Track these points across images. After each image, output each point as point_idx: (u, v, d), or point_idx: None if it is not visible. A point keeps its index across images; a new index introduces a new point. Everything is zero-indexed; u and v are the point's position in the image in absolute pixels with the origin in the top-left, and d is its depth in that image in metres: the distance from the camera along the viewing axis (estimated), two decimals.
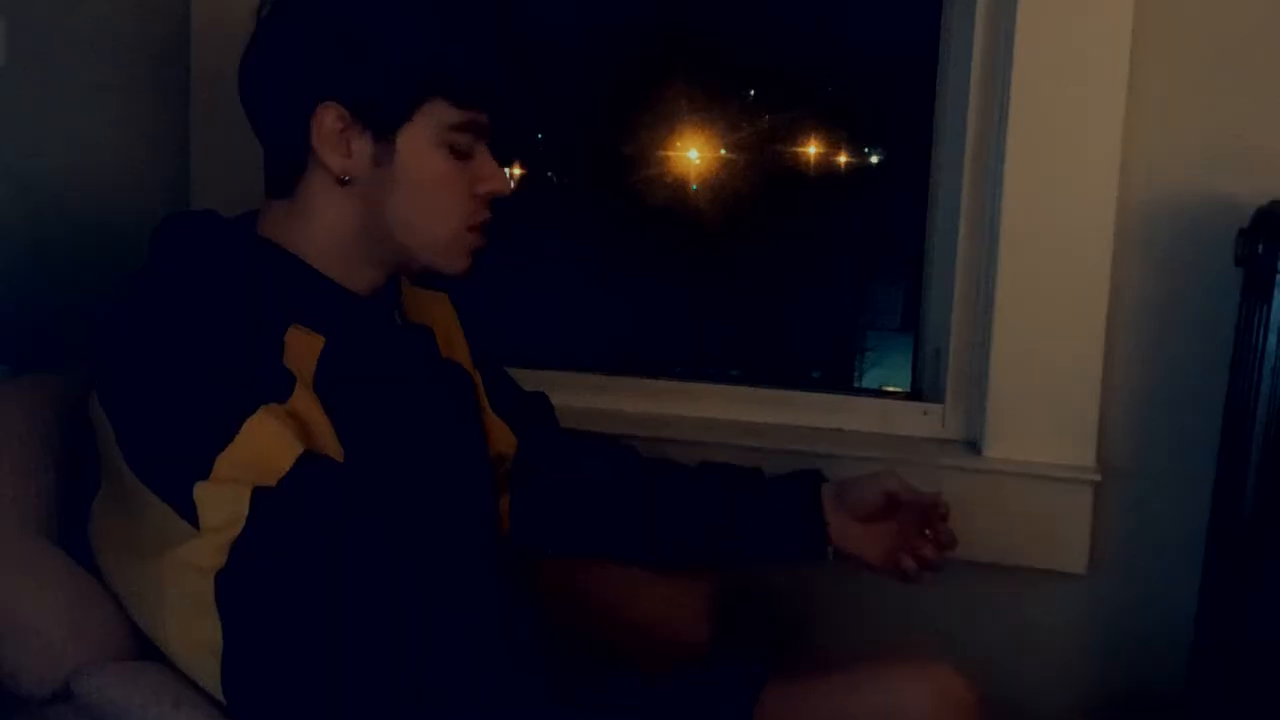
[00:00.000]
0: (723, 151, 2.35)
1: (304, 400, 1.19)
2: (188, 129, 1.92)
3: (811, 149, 2.35)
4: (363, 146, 1.26)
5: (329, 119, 1.24)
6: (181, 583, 1.12)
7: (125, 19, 1.85)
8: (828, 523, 1.51)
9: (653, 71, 2.40)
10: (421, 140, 1.27)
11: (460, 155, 1.29)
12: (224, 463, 1.10)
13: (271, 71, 1.29)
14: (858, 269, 2.63)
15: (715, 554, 1.56)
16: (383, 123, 1.25)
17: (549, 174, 2.62)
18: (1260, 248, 1.55)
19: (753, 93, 2.41)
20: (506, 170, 2.51)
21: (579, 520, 1.56)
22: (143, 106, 1.91)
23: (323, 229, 1.29)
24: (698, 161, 2.35)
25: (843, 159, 2.37)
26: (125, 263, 1.27)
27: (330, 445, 1.19)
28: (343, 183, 1.27)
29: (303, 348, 1.23)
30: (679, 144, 2.34)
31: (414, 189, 1.28)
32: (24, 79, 1.65)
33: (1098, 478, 1.80)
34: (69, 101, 1.76)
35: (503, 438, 1.55)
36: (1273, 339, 1.52)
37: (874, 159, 2.41)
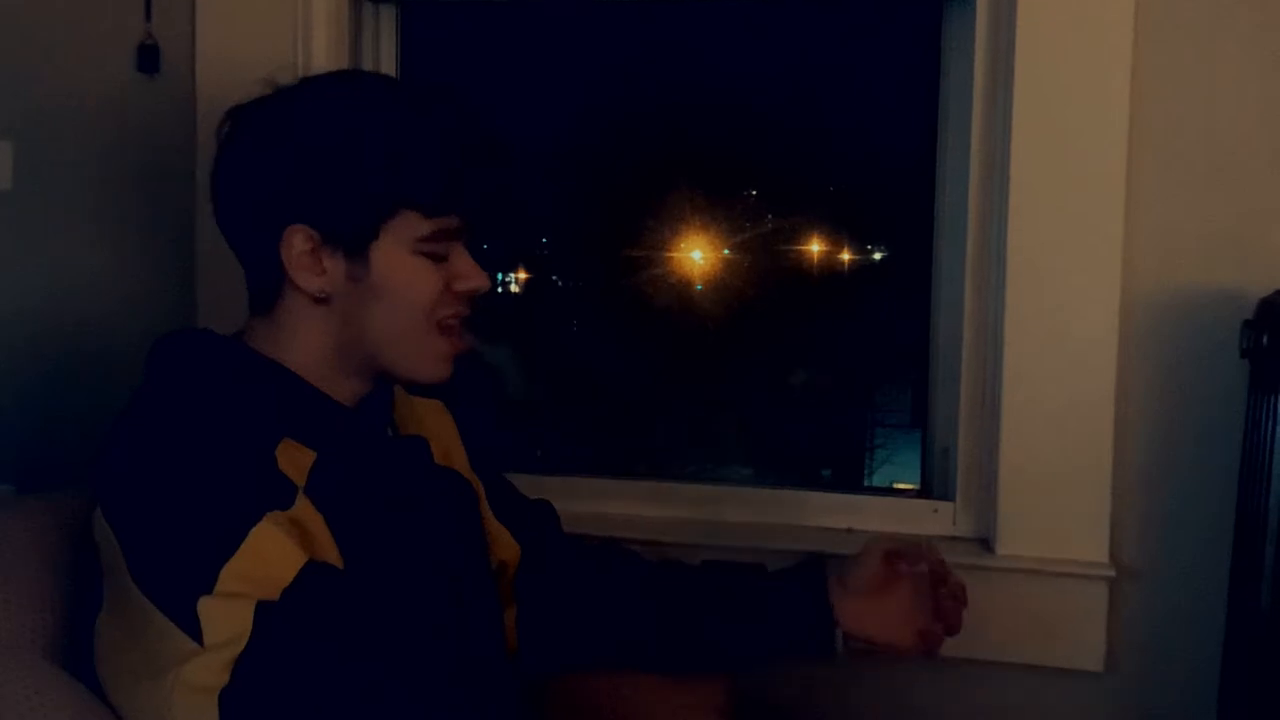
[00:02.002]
0: (726, 252, 2.36)
1: (304, 508, 1.19)
2: (194, 250, 1.93)
3: (814, 247, 2.36)
4: (336, 264, 1.26)
5: (298, 241, 1.25)
6: (186, 703, 1.11)
7: (131, 141, 1.87)
8: (834, 606, 1.48)
9: (655, 174, 2.41)
10: (395, 253, 1.26)
11: (436, 259, 1.29)
12: (228, 575, 1.10)
13: (239, 196, 1.30)
14: (865, 366, 2.63)
15: (725, 653, 1.54)
16: (352, 241, 1.25)
17: (553, 277, 2.64)
18: (1265, 339, 1.55)
19: (754, 193, 2.43)
20: (511, 274, 2.55)
21: (587, 631, 1.54)
22: (149, 227, 1.93)
23: (303, 345, 1.29)
24: (702, 262, 2.36)
25: (846, 256, 2.38)
26: (131, 384, 1.28)
27: (330, 553, 1.19)
28: (320, 301, 1.27)
29: (294, 462, 1.22)
30: (682, 245, 2.35)
31: (393, 300, 1.27)
32: (31, 201, 1.67)
33: (1112, 573, 1.79)
34: (75, 223, 1.78)
35: (505, 544, 1.53)
36: None
37: (877, 256, 2.42)
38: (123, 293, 1.87)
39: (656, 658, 1.54)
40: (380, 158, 1.25)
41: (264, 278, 1.29)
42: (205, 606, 1.09)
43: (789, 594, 1.51)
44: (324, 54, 1.96)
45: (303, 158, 1.26)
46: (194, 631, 1.09)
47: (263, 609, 1.10)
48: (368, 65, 2.09)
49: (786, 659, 1.56)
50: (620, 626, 1.54)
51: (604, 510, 2.00)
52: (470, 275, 1.31)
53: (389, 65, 2.12)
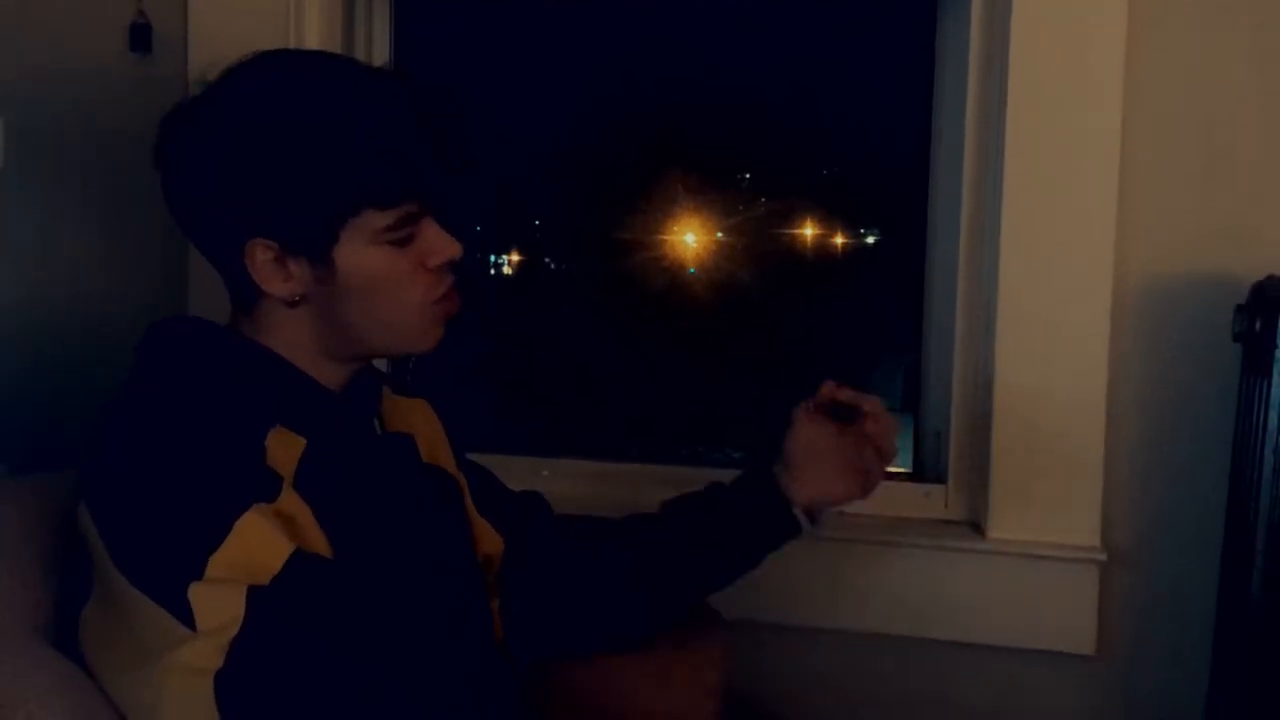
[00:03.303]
0: (719, 235, 2.35)
1: (290, 500, 1.18)
2: None
3: (808, 231, 2.36)
4: (301, 269, 1.24)
5: (259, 252, 1.23)
6: (181, 686, 1.11)
7: (124, 120, 1.86)
8: (787, 493, 1.49)
9: (649, 158, 2.41)
10: (358, 250, 1.24)
11: (402, 244, 1.26)
12: (217, 563, 1.10)
13: (195, 210, 1.27)
14: (857, 349, 2.63)
15: (709, 588, 1.56)
16: (313, 248, 1.24)
17: (546, 260, 2.63)
18: (1257, 324, 1.55)
19: (748, 176, 2.42)
20: (505, 256, 2.54)
21: (572, 621, 1.54)
22: (141, 207, 1.91)
23: (286, 341, 1.28)
24: (695, 245, 2.35)
25: (839, 240, 2.38)
26: (125, 364, 1.28)
27: (319, 543, 1.19)
28: (293, 304, 1.26)
29: (284, 449, 1.22)
30: (676, 228, 2.34)
31: (366, 294, 1.26)
32: (23, 180, 1.66)
33: (1103, 557, 1.79)
34: (67, 202, 1.77)
35: (489, 539, 1.52)
36: (1273, 415, 1.52)
37: (870, 240, 2.42)
38: (116, 271, 1.87)
39: (646, 631, 1.55)
40: (328, 164, 1.21)
41: (238, 283, 1.28)
42: (196, 593, 1.09)
43: (751, 511, 1.52)
44: (316, 32, 1.96)
45: (254, 170, 1.22)
46: (186, 617, 1.09)
47: (255, 594, 1.10)
48: (360, 39, 2.08)
49: (758, 549, 1.54)
50: (606, 617, 1.54)
51: (594, 493, 1.99)
52: (442, 248, 1.29)
53: (382, 39, 2.12)
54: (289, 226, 1.23)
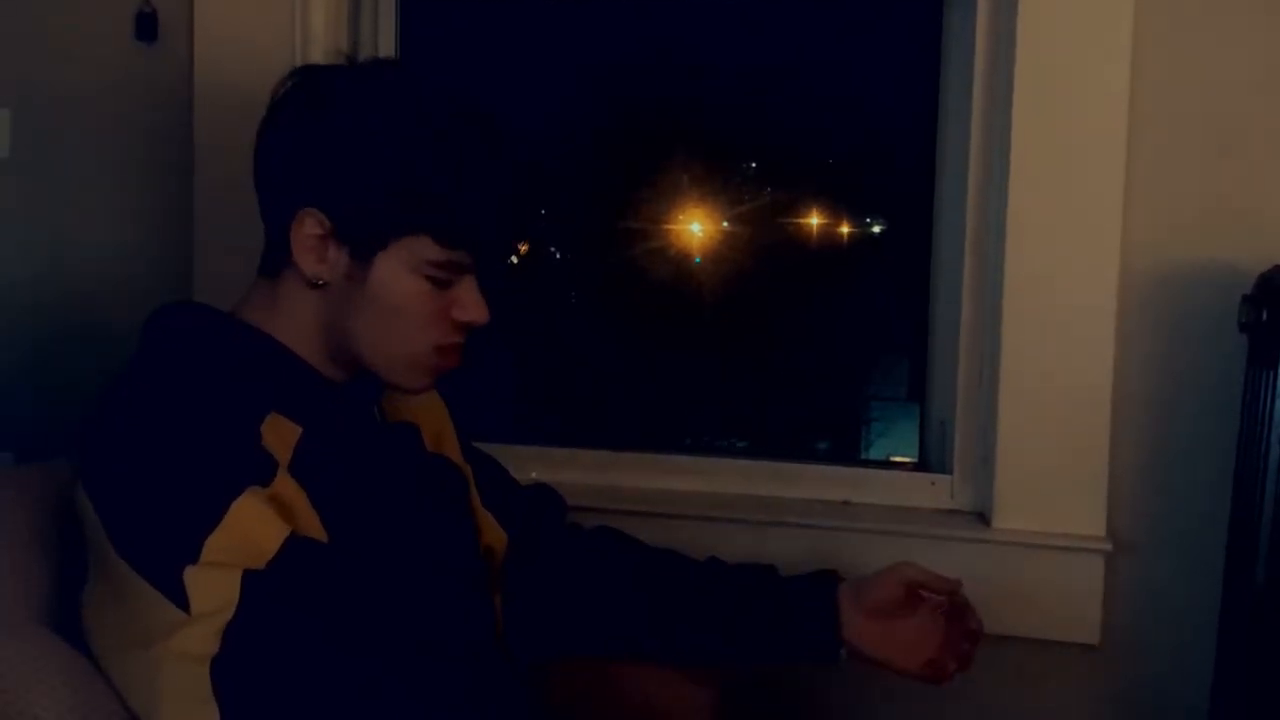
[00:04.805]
0: (725, 224, 2.35)
1: (286, 484, 1.19)
2: (191, 219, 1.92)
3: (814, 220, 2.35)
4: (338, 257, 1.25)
5: (309, 224, 1.25)
6: (177, 672, 1.12)
7: (129, 109, 1.87)
8: (842, 622, 1.46)
9: (655, 146, 2.40)
10: (397, 268, 1.25)
11: (439, 285, 1.27)
12: (212, 546, 1.10)
13: (267, 162, 1.29)
14: (863, 339, 2.62)
15: (721, 653, 1.51)
16: (361, 244, 1.25)
17: (551, 249, 2.63)
18: (1264, 314, 1.55)
19: (754, 165, 2.42)
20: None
21: (573, 622, 1.53)
22: (146, 196, 1.92)
23: (295, 321, 1.29)
24: (700, 234, 2.35)
25: (845, 229, 2.37)
26: (130, 351, 1.28)
27: (314, 529, 1.19)
28: (314, 286, 1.27)
29: (279, 436, 1.22)
30: (681, 217, 2.34)
31: (383, 312, 1.27)
32: (29, 168, 1.66)
33: (1109, 548, 1.79)
34: (73, 190, 1.78)
35: (492, 531, 1.52)
36: (1279, 406, 1.51)
37: (876, 229, 2.41)
38: (120, 260, 1.87)
39: (647, 649, 1.52)
40: (412, 175, 1.23)
41: (276, 246, 1.29)
42: (191, 576, 1.10)
43: (797, 597, 1.49)
44: (322, 21, 1.95)
45: (339, 146, 1.24)
46: (180, 601, 1.10)
47: (250, 578, 1.11)
48: (366, 30, 2.08)
49: (786, 663, 1.54)
50: (609, 618, 1.52)
51: (599, 482, 2.00)
52: (471, 308, 1.30)
53: (388, 29, 2.11)
54: (352, 212, 1.24)
